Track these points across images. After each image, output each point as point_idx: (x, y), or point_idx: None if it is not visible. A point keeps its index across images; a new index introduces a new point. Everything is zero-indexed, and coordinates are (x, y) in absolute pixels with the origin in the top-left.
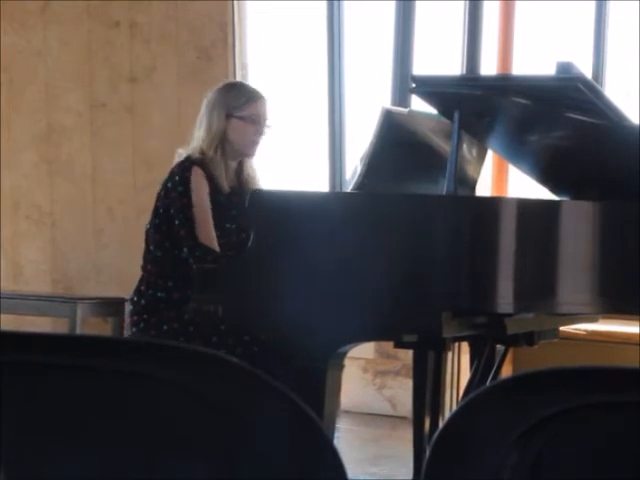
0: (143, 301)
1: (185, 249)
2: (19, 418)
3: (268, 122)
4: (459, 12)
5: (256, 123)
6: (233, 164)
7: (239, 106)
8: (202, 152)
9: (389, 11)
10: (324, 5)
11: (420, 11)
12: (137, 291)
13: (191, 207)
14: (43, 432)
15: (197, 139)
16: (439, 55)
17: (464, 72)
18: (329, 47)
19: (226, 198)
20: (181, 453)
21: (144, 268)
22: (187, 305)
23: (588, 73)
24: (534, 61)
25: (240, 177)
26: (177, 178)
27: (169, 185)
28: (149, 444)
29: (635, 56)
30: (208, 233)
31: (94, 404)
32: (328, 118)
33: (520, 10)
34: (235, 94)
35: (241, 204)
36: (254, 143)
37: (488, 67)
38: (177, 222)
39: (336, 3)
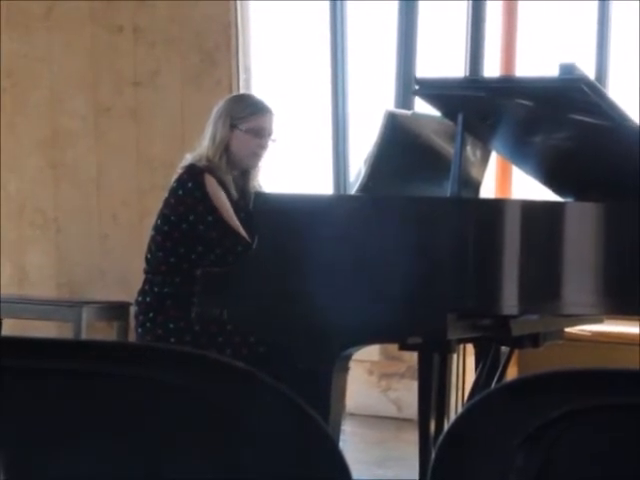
0: (148, 299)
1: (218, 250)
2: (22, 422)
3: (273, 136)
4: (462, 14)
5: (259, 136)
6: (235, 173)
7: (243, 118)
8: (208, 160)
9: (392, 13)
10: (327, 7)
11: (423, 13)
12: (141, 291)
13: (215, 209)
14: (45, 435)
15: (203, 147)
16: (442, 57)
17: (467, 74)
18: (332, 50)
19: (235, 204)
20: (183, 456)
21: (149, 272)
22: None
23: (591, 74)
24: (537, 62)
25: (245, 190)
26: (190, 185)
27: (180, 193)
28: (151, 447)
29: (638, 56)
30: (235, 223)
31: (96, 408)
32: (332, 121)
33: (523, 11)
34: (241, 106)
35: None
36: (255, 155)
37: (491, 69)
38: (202, 227)
39: (339, 5)
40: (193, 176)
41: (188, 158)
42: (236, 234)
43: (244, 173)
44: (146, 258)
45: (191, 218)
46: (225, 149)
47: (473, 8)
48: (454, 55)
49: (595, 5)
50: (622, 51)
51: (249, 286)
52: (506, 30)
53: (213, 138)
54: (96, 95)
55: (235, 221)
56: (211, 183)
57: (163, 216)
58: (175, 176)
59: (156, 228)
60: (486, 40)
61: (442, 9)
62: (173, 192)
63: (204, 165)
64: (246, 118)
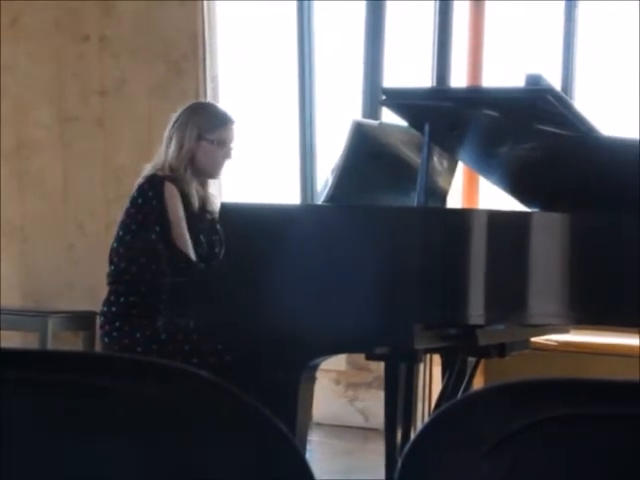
0: (114, 308)
1: (163, 265)
2: None
3: (232, 144)
4: (429, 23)
5: (224, 146)
6: (197, 184)
7: (210, 129)
8: (172, 169)
9: (359, 24)
10: (294, 17)
11: (390, 23)
12: (107, 301)
13: (168, 221)
14: (14, 450)
15: (165, 155)
16: (409, 66)
17: (434, 83)
18: (299, 60)
19: (197, 215)
20: (147, 466)
21: (113, 282)
22: (160, 312)
23: (557, 84)
24: (504, 72)
25: (205, 199)
26: (150, 194)
27: (140, 201)
28: (118, 456)
29: (603, 66)
30: (184, 237)
31: (61, 418)
32: (299, 130)
33: (490, 21)
34: (207, 117)
35: (208, 221)
36: (220, 165)
37: (458, 78)
38: (154, 236)
39: (306, 14)
40: (154, 185)
41: (148, 167)
42: (180, 250)
43: (202, 182)
44: (109, 270)
45: (149, 227)
46: (190, 160)
47: (440, 17)
48: (421, 65)
49: (562, 17)
50: (588, 61)
51: (216, 295)
52: (473, 39)
53: (179, 148)
54: (62, 104)
55: (184, 229)
56: (171, 192)
57: (125, 226)
58: (136, 185)
59: (118, 239)
60: (453, 49)
61: (410, 18)
62: (134, 201)
63: (168, 175)
64: (213, 130)
